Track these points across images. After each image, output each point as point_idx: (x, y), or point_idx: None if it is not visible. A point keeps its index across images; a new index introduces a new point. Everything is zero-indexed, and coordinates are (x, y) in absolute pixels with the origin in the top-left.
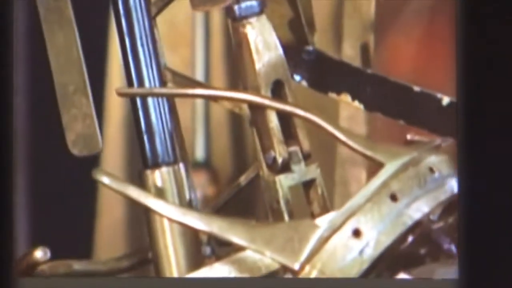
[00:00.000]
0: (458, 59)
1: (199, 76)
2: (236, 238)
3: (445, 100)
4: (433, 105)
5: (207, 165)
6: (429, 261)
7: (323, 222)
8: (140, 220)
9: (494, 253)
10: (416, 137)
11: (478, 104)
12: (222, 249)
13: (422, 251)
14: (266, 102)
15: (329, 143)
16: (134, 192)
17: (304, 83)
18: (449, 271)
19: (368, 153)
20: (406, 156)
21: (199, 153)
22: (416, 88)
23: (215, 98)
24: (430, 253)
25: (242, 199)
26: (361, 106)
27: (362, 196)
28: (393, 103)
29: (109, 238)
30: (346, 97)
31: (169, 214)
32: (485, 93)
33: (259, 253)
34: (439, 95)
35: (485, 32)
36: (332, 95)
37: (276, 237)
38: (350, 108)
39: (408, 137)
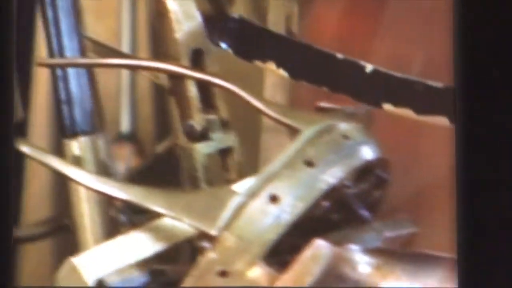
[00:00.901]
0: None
1: (125, 46)
2: (155, 205)
3: (368, 67)
4: (357, 72)
5: (132, 137)
6: (343, 226)
7: (241, 188)
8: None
9: (493, 261)
10: (328, 105)
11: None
12: (137, 217)
13: (337, 216)
14: (185, 71)
15: (254, 111)
16: (53, 161)
17: (229, 51)
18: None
19: (285, 120)
20: (321, 123)
21: (125, 125)
22: (340, 56)
23: (134, 68)
24: (344, 218)
25: (161, 168)
26: (286, 74)
27: (279, 163)
28: (317, 71)
29: (38, 203)
30: (271, 65)
31: (88, 183)
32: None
33: (178, 220)
34: (362, 63)
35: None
36: (257, 63)
37: (195, 204)
38: (275, 75)
39: (320, 104)
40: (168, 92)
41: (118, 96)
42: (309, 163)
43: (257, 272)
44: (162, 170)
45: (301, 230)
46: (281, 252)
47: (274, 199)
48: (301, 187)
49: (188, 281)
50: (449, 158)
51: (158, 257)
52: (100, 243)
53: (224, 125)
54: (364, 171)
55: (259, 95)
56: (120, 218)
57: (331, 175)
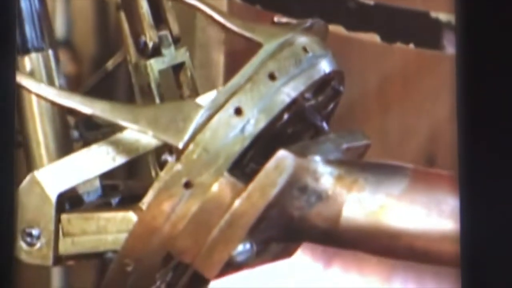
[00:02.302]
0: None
1: None
2: (119, 119)
3: None
4: None
5: (68, 43)
6: (303, 138)
7: (206, 101)
8: None
9: (496, 264)
10: (284, 19)
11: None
12: (90, 133)
13: (297, 128)
14: None
15: (189, 27)
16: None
17: None
18: None
19: (247, 34)
20: (282, 37)
21: (60, 31)
22: None
23: None
24: (303, 130)
25: (111, 85)
26: None
27: (242, 76)
28: None
29: None
30: None
31: (53, 97)
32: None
33: (143, 133)
34: None
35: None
36: None
37: (160, 117)
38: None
39: (275, 19)
40: (118, 8)
41: (53, 3)
42: (272, 76)
43: (222, 183)
44: (113, 87)
45: (264, 142)
46: (246, 164)
47: (238, 111)
48: (264, 99)
49: (151, 193)
50: (378, 73)
51: (110, 172)
52: (54, 158)
53: (176, 41)
54: (322, 83)
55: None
56: (72, 134)
57: (293, 88)
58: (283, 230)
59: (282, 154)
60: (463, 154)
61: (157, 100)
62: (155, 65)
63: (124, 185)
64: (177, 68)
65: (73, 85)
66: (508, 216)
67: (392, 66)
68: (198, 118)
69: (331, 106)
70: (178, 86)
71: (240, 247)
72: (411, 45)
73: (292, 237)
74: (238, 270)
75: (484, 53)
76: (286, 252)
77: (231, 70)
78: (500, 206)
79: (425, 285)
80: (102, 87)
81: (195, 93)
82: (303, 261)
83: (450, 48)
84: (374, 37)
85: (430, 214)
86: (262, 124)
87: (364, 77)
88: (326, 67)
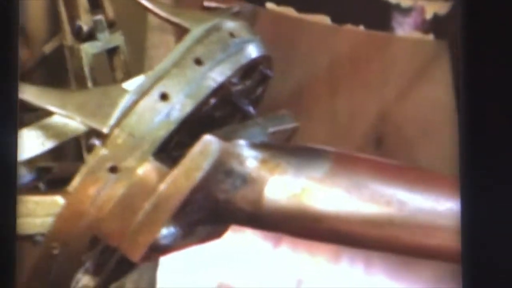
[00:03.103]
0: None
1: None
2: (47, 104)
3: None
4: None
5: (20, 29)
6: (229, 122)
7: (132, 87)
8: None
9: (495, 263)
10: (213, 4)
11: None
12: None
13: (224, 112)
14: None
15: (140, 10)
16: None
17: None
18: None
19: (174, 19)
20: (209, 22)
21: None
22: None
23: None
24: (230, 114)
25: (48, 68)
26: None
27: (169, 61)
28: None
29: None
30: None
31: None
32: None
33: (70, 118)
34: None
35: None
36: None
37: (87, 102)
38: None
39: (205, 3)
40: None
41: None
42: (198, 61)
43: (147, 168)
44: (50, 70)
45: (190, 127)
46: (171, 149)
47: (164, 97)
48: (191, 85)
49: (78, 177)
50: (327, 55)
51: (45, 155)
52: None
53: (111, 25)
54: (249, 68)
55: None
56: None
57: (219, 73)
58: (209, 213)
59: (207, 138)
60: (463, 152)
61: (90, 84)
62: (89, 49)
63: (59, 168)
64: (112, 52)
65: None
66: (508, 214)
67: (341, 47)
68: (124, 103)
69: (260, 90)
70: (112, 70)
71: (165, 231)
72: (361, 27)
73: (219, 220)
74: (164, 253)
75: (487, 50)
76: (215, 234)
77: None
78: (500, 204)
79: (373, 264)
80: (40, 71)
81: (128, 76)
82: (253, 240)
83: (399, 29)
84: (324, 19)
85: (351, 197)
86: (188, 109)
87: (314, 58)
88: (254, 52)
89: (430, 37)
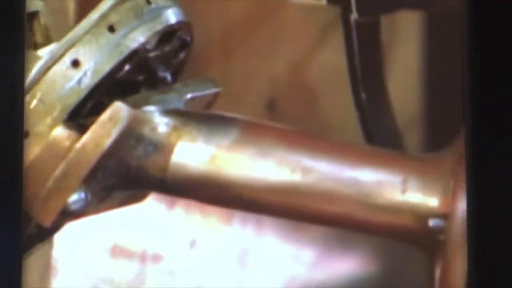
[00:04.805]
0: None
1: None
2: None
3: None
4: None
5: None
6: (146, 88)
7: (44, 53)
8: None
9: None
10: None
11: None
12: None
13: (139, 78)
14: None
15: None
16: None
17: None
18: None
19: None
20: None
21: None
22: None
23: None
24: (147, 80)
25: None
26: None
27: (82, 28)
28: None
29: None
30: None
31: None
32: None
33: None
34: None
35: None
36: None
37: None
38: None
39: None
40: None
41: None
42: (111, 29)
43: (58, 134)
44: None
45: (109, 90)
46: (84, 115)
47: (75, 63)
48: (102, 52)
49: None
50: (221, 20)
51: None
52: None
53: None
54: (167, 34)
55: None
56: None
57: (132, 39)
58: (122, 179)
59: (117, 105)
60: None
61: None
62: None
63: None
64: (31, 16)
65: None
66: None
67: (235, 12)
68: (36, 69)
69: (181, 56)
70: (32, 34)
71: (75, 196)
72: None
73: (132, 186)
74: (75, 218)
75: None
76: (136, 197)
77: (82, 18)
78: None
79: (263, 226)
80: None
81: (49, 41)
82: (148, 202)
83: None
84: None
85: (256, 165)
86: (99, 76)
87: (208, 24)
88: (171, 18)
89: (323, 2)
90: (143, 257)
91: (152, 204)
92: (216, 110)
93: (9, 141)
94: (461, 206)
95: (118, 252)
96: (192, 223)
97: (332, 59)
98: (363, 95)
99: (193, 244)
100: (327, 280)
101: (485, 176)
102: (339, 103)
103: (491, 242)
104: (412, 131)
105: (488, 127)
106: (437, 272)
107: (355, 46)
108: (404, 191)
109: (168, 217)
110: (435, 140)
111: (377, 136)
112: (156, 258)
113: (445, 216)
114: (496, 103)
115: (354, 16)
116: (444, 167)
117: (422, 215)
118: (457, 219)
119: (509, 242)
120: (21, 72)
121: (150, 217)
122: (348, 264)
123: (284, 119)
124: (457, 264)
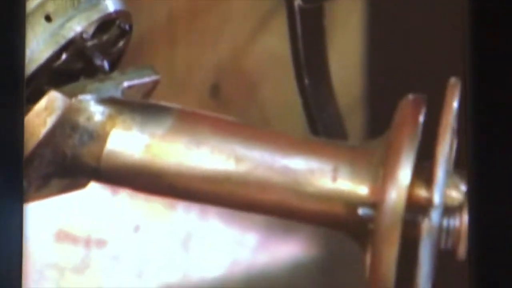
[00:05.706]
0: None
1: None
2: None
3: None
4: None
5: None
6: (84, 77)
7: None
8: None
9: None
10: None
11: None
12: None
13: (77, 67)
14: None
15: None
16: None
17: None
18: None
19: None
20: None
21: None
22: None
23: None
24: (84, 69)
25: None
26: None
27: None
28: None
29: None
30: None
31: None
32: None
33: None
34: None
35: None
36: None
37: None
38: None
39: None
40: None
41: None
42: (48, 18)
43: None
44: None
45: (44, 81)
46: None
47: None
48: (38, 41)
49: None
50: (166, 6)
51: None
52: None
53: None
54: (105, 23)
55: None
56: None
57: (69, 29)
58: (59, 167)
59: (52, 94)
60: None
61: None
62: None
63: None
64: None
65: None
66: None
67: (179, 0)
68: None
69: (120, 44)
70: None
71: None
72: None
73: (68, 174)
74: None
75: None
76: (75, 185)
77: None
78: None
79: (207, 211)
80: None
81: None
82: (92, 187)
83: None
84: None
85: (190, 154)
86: (35, 64)
87: (153, 10)
88: (109, 7)
89: None
90: (87, 242)
91: (97, 189)
92: (160, 98)
93: None
94: (390, 195)
95: (63, 237)
96: (136, 208)
97: (275, 46)
98: (306, 81)
99: (137, 229)
100: (270, 264)
101: (487, 177)
102: (282, 89)
103: (491, 244)
104: (354, 115)
105: (489, 127)
106: (367, 260)
107: (299, 32)
108: (334, 179)
109: (112, 202)
110: (378, 123)
111: (321, 122)
112: (101, 243)
113: (374, 204)
114: (498, 102)
115: (298, 1)
116: (375, 156)
117: (352, 203)
118: (385, 208)
119: (509, 242)
120: (21, 72)
121: (95, 202)
122: (290, 248)
123: (228, 106)
124: (386, 252)
